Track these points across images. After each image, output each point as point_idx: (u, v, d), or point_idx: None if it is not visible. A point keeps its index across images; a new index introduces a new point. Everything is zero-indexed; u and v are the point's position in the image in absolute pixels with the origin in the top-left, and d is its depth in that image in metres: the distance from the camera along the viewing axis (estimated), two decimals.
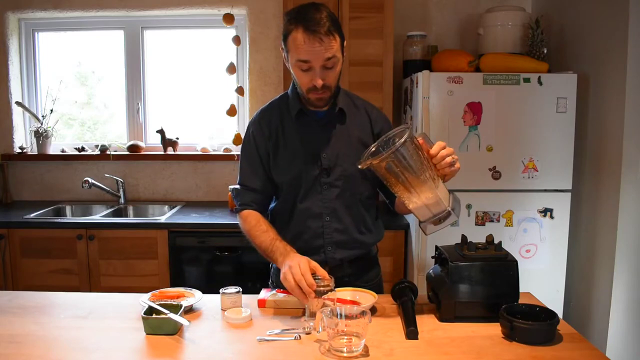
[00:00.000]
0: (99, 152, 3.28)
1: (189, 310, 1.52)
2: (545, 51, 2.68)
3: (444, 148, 1.38)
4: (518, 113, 2.48)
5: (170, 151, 3.27)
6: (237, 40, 3.20)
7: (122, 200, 3.25)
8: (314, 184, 1.64)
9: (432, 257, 1.61)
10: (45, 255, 2.72)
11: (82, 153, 3.30)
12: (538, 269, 2.55)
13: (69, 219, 3.00)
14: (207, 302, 1.58)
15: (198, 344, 1.33)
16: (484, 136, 2.50)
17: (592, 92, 2.54)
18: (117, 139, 3.43)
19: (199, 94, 3.39)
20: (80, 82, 3.49)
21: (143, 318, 1.37)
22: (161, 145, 3.25)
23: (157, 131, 3.24)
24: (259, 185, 1.69)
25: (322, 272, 1.44)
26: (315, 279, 1.41)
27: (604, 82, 2.45)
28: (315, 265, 1.45)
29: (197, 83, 3.38)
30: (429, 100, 2.48)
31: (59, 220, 2.81)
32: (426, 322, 1.44)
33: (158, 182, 3.34)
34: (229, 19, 3.11)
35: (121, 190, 3.26)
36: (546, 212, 2.54)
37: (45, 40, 3.40)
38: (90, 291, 2.68)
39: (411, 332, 1.34)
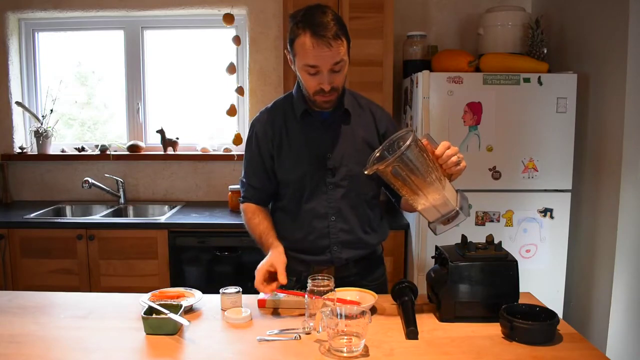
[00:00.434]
0: (99, 152, 3.28)
1: (189, 310, 1.52)
2: (545, 51, 2.68)
3: (448, 148, 1.38)
4: (518, 113, 2.48)
5: (170, 151, 3.27)
6: (237, 40, 3.20)
7: (122, 200, 3.25)
8: (319, 184, 1.65)
9: (432, 257, 1.61)
10: (45, 255, 2.72)
11: (82, 153, 3.30)
12: (538, 269, 2.55)
13: (69, 219, 3.00)
14: (207, 302, 1.58)
15: (198, 344, 1.33)
16: (484, 136, 2.50)
17: (592, 92, 2.54)
18: (117, 139, 3.43)
19: (199, 94, 3.39)
20: (80, 82, 3.49)
21: (143, 318, 1.37)
22: (161, 145, 3.25)
23: (157, 131, 3.24)
24: (258, 184, 1.73)
25: (281, 270, 1.51)
26: (315, 279, 1.42)
27: (604, 82, 2.45)
28: (278, 262, 1.52)
29: (197, 83, 3.38)
30: (429, 100, 2.48)
31: (59, 220, 2.81)
32: (426, 322, 1.44)
33: (158, 182, 3.34)
34: (229, 19, 3.10)
35: (121, 190, 3.26)
36: (546, 212, 2.54)
37: (45, 40, 3.40)
38: (90, 291, 2.68)
39: (411, 332, 1.34)
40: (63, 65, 3.41)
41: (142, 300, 1.50)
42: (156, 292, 1.58)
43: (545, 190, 2.54)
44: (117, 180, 3.25)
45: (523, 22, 2.75)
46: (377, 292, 1.57)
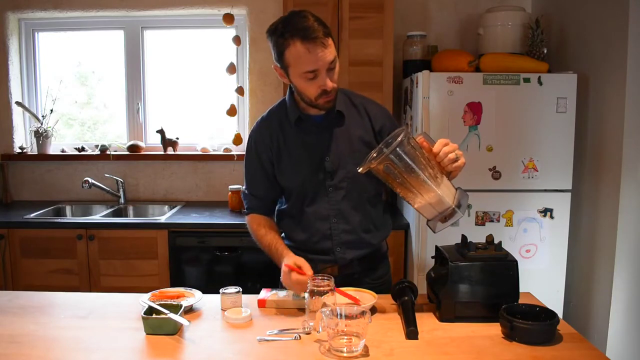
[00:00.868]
0: (99, 152, 3.28)
1: (189, 310, 1.52)
2: (545, 51, 2.68)
3: (446, 144, 1.38)
4: (518, 113, 2.48)
5: (170, 151, 3.27)
6: (237, 40, 3.20)
7: (122, 200, 3.25)
8: (319, 187, 1.66)
9: (432, 257, 1.61)
10: (45, 255, 2.72)
11: (82, 153, 3.30)
12: (538, 269, 2.55)
13: (69, 219, 3.00)
14: (207, 302, 1.58)
15: (198, 344, 1.33)
16: (484, 136, 2.50)
17: (592, 92, 2.54)
18: (117, 139, 3.43)
19: (199, 94, 3.39)
20: (80, 82, 3.49)
21: (143, 318, 1.37)
22: (161, 145, 3.25)
23: (157, 131, 3.24)
24: (261, 193, 1.74)
25: (306, 266, 1.50)
26: (315, 279, 1.42)
27: (604, 82, 2.45)
28: (299, 259, 1.52)
29: (197, 83, 3.38)
30: (429, 100, 2.48)
31: (58, 220, 2.81)
32: (426, 322, 1.44)
33: (158, 182, 3.34)
34: (229, 19, 3.10)
35: (121, 190, 3.26)
36: (546, 212, 2.54)
37: (45, 40, 3.40)
38: (90, 291, 2.68)
39: (411, 332, 1.34)
40: (63, 65, 3.41)
41: (142, 300, 1.50)
42: (156, 292, 1.58)
43: (545, 190, 2.54)
44: (117, 180, 3.25)
45: (523, 22, 2.74)
46: (381, 292, 1.58)
